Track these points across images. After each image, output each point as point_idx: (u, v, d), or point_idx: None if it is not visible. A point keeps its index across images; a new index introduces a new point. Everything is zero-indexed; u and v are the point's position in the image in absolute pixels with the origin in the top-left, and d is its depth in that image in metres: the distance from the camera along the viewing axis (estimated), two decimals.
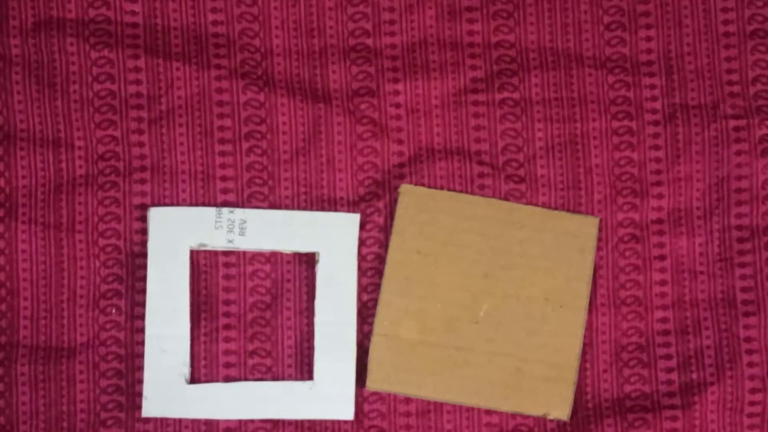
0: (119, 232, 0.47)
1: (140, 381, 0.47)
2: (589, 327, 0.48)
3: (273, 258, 0.48)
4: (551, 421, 0.47)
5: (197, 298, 0.48)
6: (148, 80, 0.48)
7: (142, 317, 0.47)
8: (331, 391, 0.47)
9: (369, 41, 0.49)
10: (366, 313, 0.48)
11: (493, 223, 0.48)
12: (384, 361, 0.47)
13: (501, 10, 0.49)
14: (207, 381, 0.47)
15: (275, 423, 0.47)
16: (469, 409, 0.48)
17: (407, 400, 0.48)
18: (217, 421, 0.47)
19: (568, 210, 0.49)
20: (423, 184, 0.48)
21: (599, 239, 0.48)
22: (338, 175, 0.48)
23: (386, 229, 0.48)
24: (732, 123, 0.49)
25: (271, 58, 0.49)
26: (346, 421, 0.47)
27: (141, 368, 0.47)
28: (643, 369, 0.48)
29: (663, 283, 0.49)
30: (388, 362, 0.47)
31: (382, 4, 0.49)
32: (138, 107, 0.48)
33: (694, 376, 0.48)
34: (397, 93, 0.49)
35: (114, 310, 0.47)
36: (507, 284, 0.48)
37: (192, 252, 0.47)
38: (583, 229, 0.48)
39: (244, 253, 0.48)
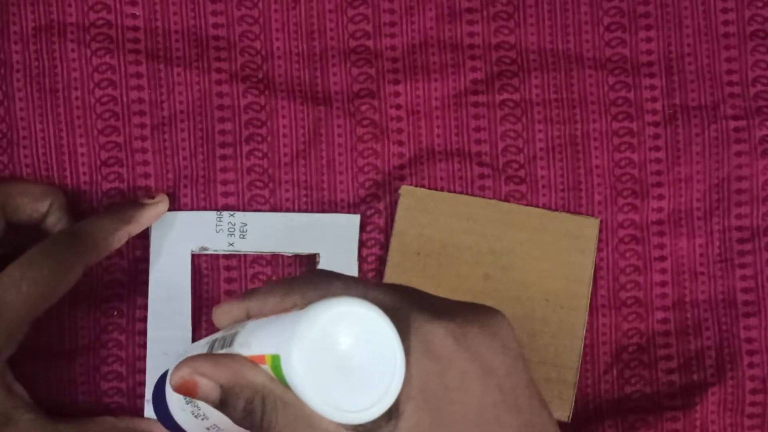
0: None
1: (141, 384, 0.47)
2: (590, 328, 0.48)
3: (274, 260, 0.48)
4: None
5: (199, 301, 0.48)
6: (150, 86, 0.48)
7: (144, 320, 0.48)
8: None
9: (369, 43, 0.49)
10: None
11: (494, 224, 0.48)
12: None
13: (501, 11, 0.49)
14: None
15: None
16: None
17: None
18: None
19: (568, 211, 0.49)
20: (423, 186, 0.49)
21: (599, 240, 0.48)
22: (338, 177, 0.49)
23: (386, 231, 0.48)
24: (732, 124, 0.49)
25: (272, 61, 0.49)
26: None
27: (142, 371, 0.47)
28: (644, 370, 0.48)
29: (663, 284, 0.49)
30: None
31: (382, 6, 0.49)
32: (140, 113, 0.48)
33: (695, 377, 0.48)
34: (397, 94, 0.49)
35: (116, 313, 0.48)
36: (507, 286, 0.48)
37: (193, 256, 0.48)
38: (584, 230, 0.48)
39: (245, 255, 0.48)
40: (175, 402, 0.37)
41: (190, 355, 0.36)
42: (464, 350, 0.30)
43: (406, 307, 0.31)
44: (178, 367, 0.32)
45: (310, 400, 0.28)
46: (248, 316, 0.35)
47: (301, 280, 0.33)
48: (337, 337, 0.29)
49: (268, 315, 0.33)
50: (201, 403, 0.34)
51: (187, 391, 0.31)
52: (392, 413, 0.29)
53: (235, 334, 0.33)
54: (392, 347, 0.29)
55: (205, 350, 0.35)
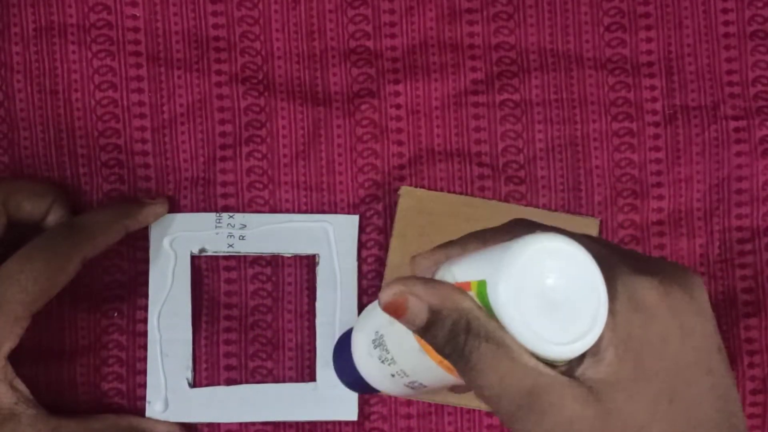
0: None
1: (141, 385, 0.47)
2: None
3: (274, 261, 0.48)
4: None
5: (199, 302, 0.48)
6: (150, 89, 0.48)
7: (144, 321, 0.48)
8: (334, 392, 0.47)
9: (369, 43, 0.49)
10: None
11: (494, 225, 0.48)
12: None
13: (501, 11, 0.49)
14: (208, 384, 0.48)
15: (276, 425, 0.48)
16: (470, 411, 0.48)
17: (408, 402, 0.48)
18: (219, 424, 0.48)
19: (568, 212, 0.49)
20: (423, 186, 0.49)
21: None
22: (338, 178, 0.49)
23: (386, 232, 0.48)
24: (732, 124, 0.49)
25: (272, 62, 0.49)
26: (347, 423, 0.48)
27: (142, 372, 0.48)
28: None
29: None
30: None
31: (383, 7, 0.49)
32: (141, 116, 0.48)
33: None
34: (397, 94, 0.49)
35: (116, 314, 0.48)
36: None
37: (193, 257, 0.48)
38: (584, 230, 0.48)
39: (245, 256, 0.48)
40: (361, 348, 0.36)
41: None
42: (667, 307, 0.30)
43: (612, 257, 0.31)
44: (390, 285, 0.31)
45: (514, 326, 0.28)
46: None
47: (501, 228, 0.33)
48: (543, 269, 0.29)
49: None
50: (390, 346, 0.34)
51: (395, 310, 0.31)
52: (589, 355, 0.29)
53: (435, 271, 0.32)
54: (596, 286, 0.29)
55: None
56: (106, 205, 0.47)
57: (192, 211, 0.48)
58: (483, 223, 0.48)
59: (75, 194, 0.48)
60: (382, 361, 0.35)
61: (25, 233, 0.44)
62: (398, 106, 0.49)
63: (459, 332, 0.30)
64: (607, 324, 0.29)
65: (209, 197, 0.48)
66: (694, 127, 0.49)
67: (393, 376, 0.35)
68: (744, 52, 0.49)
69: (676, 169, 0.49)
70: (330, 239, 0.48)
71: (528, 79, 0.49)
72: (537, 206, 0.49)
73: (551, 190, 0.49)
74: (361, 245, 0.48)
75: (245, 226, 0.48)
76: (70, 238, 0.43)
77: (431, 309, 0.30)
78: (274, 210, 0.48)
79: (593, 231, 0.48)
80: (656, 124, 0.49)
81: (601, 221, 0.48)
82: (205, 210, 0.48)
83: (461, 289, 0.30)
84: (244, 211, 0.48)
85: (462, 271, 0.31)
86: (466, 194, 0.49)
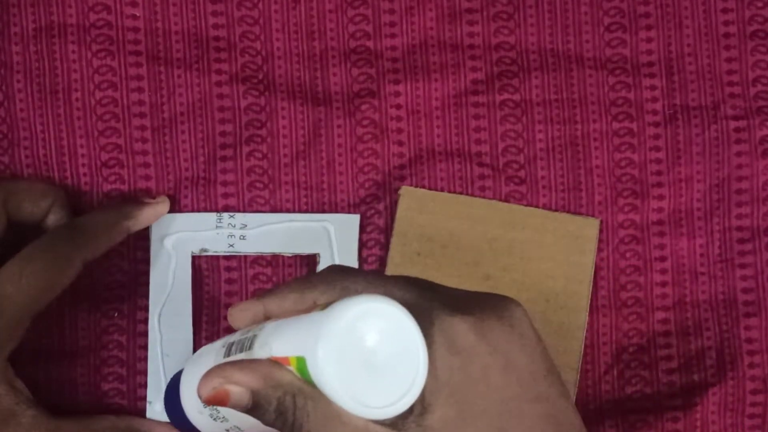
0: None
1: (141, 385, 0.47)
2: (590, 329, 0.48)
3: (274, 261, 0.48)
4: None
5: (199, 302, 0.48)
6: (150, 88, 0.48)
7: (145, 321, 0.48)
8: None
9: (369, 43, 0.49)
10: None
11: (494, 224, 0.48)
12: None
13: (501, 11, 0.49)
14: None
15: None
16: None
17: None
18: None
19: (568, 211, 0.49)
20: (423, 186, 0.49)
21: (600, 241, 0.49)
22: (338, 178, 0.49)
23: (386, 231, 0.48)
24: (732, 124, 0.49)
25: (272, 62, 0.49)
26: None
27: (142, 372, 0.48)
28: (644, 370, 0.48)
29: (664, 284, 0.49)
30: None
31: (383, 6, 0.49)
32: (141, 115, 0.48)
33: (696, 377, 0.48)
34: (397, 94, 0.49)
35: (116, 314, 0.48)
36: (508, 286, 0.48)
37: (193, 257, 0.48)
38: (584, 230, 0.48)
39: (245, 256, 0.48)
40: (191, 406, 0.37)
41: (202, 358, 0.36)
42: (485, 344, 0.30)
43: (427, 302, 0.31)
44: (207, 377, 0.31)
45: (338, 398, 0.29)
46: (266, 316, 0.35)
47: (319, 277, 0.34)
48: (360, 334, 0.29)
49: (287, 313, 0.33)
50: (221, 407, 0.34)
51: (219, 401, 0.31)
52: (416, 407, 0.30)
53: (253, 337, 0.32)
54: (415, 343, 0.30)
55: (221, 354, 0.34)
56: (106, 205, 0.47)
57: (192, 211, 0.48)
58: (483, 223, 0.49)
59: (75, 194, 0.48)
60: (215, 419, 0.35)
61: (25, 234, 0.44)
62: (398, 106, 0.49)
63: (286, 408, 0.30)
64: (429, 372, 0.30)
65: (209, 197, 0.48)
66: (695, 127, 0.49)
67: (228, 431, 0.35)
68: (744, 52, 0.49)
69: (677, 169, 0.49)
70: (331, 239, 0.48)
71: (528, 79, 0.49)
72: (537, 206, 0.49)
73: (551, 190, 0.49)
74: (361, 245, 0.48)
75: (246, 225, 0.48)
76: (70, 240, 0.43)
77: (254, 392, 0.30)
78: (274, 210, 0.48)
79: (593, 231, 0.48)
80: (656, 124, 0.49)
81: (601, 221, 0.49)
82: (205, 210, 0.48)
83: (280, 364, 0.31)
84: (244, 211, 0.48)
85: (280, 345, 0.31)
86: (467, 194, 0.49)
